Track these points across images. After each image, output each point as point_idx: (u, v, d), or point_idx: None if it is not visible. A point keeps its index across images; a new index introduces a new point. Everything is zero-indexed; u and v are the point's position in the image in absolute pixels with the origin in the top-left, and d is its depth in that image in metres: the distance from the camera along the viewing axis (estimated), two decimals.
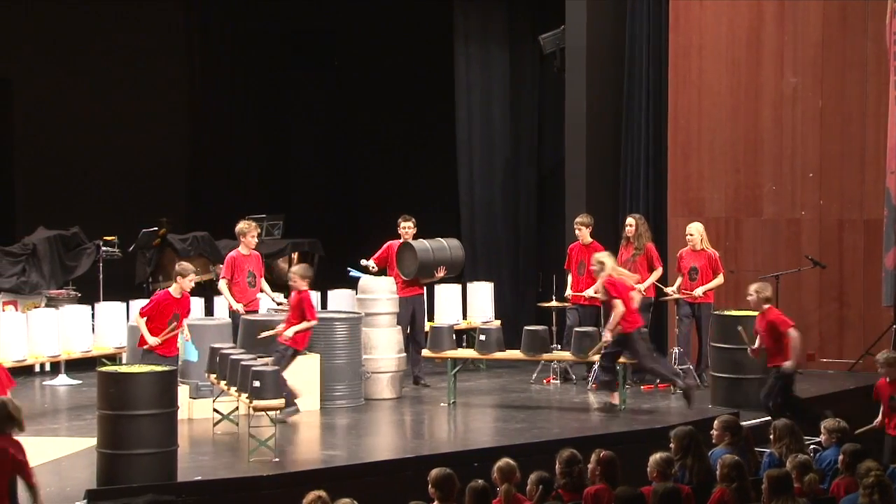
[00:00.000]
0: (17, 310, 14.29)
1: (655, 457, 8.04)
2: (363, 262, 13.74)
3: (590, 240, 13.74)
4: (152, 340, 11.11)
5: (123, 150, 19.22)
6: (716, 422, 9.06)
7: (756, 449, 9.12)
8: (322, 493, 7.16)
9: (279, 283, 17.37)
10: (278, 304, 12.98)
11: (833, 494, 8.11)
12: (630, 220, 13.61)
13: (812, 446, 9.50)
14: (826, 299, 14.29)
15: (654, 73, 15.16)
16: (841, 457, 8.33)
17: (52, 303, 14.65)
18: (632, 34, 15.28)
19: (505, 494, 7.65)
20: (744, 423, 9.47)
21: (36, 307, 14.26)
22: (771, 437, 8.96)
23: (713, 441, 8.92)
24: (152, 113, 19.68)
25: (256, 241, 12.97)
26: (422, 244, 13.68)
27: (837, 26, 14.21)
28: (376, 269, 13.68)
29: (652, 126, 15.18)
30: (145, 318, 11.21)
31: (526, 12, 16.75)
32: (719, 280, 13.28)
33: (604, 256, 12.28)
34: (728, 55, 14.63)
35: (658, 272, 13.48)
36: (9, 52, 18.52)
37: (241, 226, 12.93)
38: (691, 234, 13.31)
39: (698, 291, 13.15)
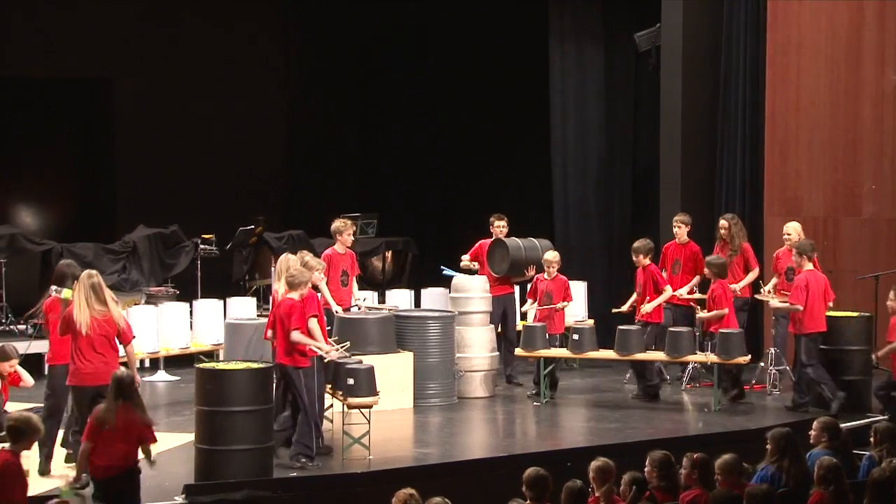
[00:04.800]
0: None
1: (724, 459, 7.93)
2: (463, 260, 13.76)
3: (686, 238, 13.63)
4: (326, 347, 10.40)
5: (221, 150, 19.43)
6: (815, 423, 8.95)
7: (855, 451, 8.99)
8: (413, 492, 7.19)
9: (372, 282, 17.54)
10: (357, 304, 12.92)
11: None
12: (722, 222, 13.49)
13: None
14: None
15: (751, 71, 14.98)
16: None
17: (152, 300, 14.90)
18: (728, 32, 15.12)
19: (605, 495, 7.62)
20: (843, 426, 9.34)
21: (136, 304, 14.50)
22: (871, 439, 8.83)
23: (811, 442, 8.81)
24: (249, 112, 19.87)
25: (352, 239, 13.02)
26: (514, 242, 13.68)
27: None
28: (476, 265, 13.68)
29: (749, 124, 15.00)
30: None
31: (621, 10, 16.65)
32: None
33: None
34: (827, 52, 14.40)
35: (755, 273, 13.33)
36: (109, 52, 18.80)
37: (337, 224, 12.98)
38: (788, 234, 13.13)
39: None
